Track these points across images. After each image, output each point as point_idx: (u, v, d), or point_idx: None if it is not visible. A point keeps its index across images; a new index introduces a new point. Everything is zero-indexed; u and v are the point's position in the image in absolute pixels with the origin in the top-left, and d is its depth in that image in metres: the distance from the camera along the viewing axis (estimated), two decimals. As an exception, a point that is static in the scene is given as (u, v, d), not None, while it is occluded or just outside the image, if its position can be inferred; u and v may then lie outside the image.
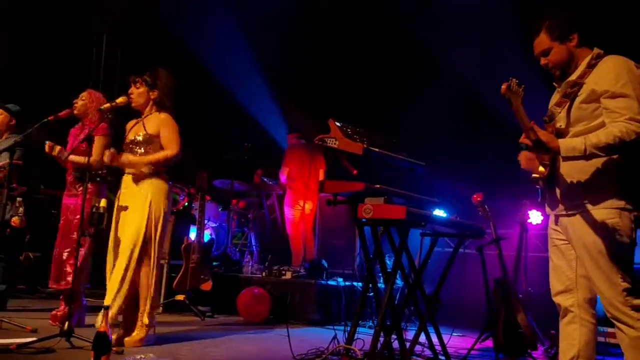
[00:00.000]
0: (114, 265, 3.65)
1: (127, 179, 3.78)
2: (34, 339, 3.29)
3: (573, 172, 2.48)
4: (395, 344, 3.36)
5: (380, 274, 4.42)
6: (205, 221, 5.98)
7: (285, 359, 3.47)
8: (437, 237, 3.62)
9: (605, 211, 2.39)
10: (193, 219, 5.97)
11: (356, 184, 3.07)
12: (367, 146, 3.08)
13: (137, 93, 3.83)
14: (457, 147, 6.62)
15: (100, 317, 3.41)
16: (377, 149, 3.14)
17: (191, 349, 3.75)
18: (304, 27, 7.56)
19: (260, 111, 8.01)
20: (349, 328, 3.27)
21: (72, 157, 4.11)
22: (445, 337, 3.60)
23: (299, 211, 6.61)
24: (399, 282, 4.86)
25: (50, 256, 4.30)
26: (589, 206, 2.43)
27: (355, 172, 3.40)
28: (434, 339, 3.50)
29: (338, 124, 3.19)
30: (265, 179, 7.17)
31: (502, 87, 2.34)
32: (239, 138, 7.09)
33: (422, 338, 3.51)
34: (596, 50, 2.55)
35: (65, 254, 4.16)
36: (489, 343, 4.09)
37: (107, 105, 3.77)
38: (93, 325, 3.73)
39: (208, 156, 7.15)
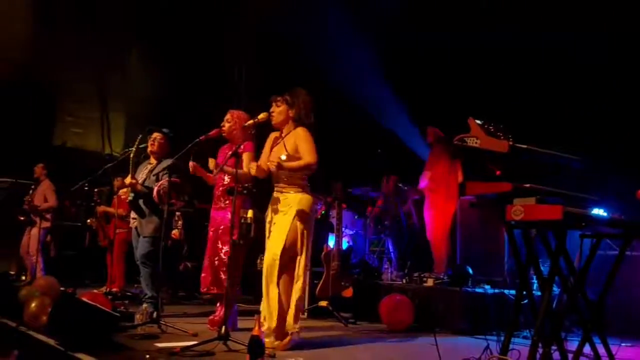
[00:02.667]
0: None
1: (276, 196, 3.95)
2: (195, 342, 3.54)
3: None
4: (556, 355, 3.10)
5: (533, 280, 4.12)
6: (343, 229, 6.07)
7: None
8: (599, 239, 3.29)
9: None
10: (331, 227, 6.08)
11: (502, 184, 2.88)
12: (513, 143, 2.90)
13: (278, 111, 4.01)
14: (620, 137, 5.90)
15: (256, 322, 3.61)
16: (525, 146, 2.93)
17: (339, 353, 3.82)
18: (431, 29, 7.38)
19: (391, 119, 7.98)
20: (500, 338, 3.08)
21: (226, 168, 4.32)
22: (612, 348, 3.26)
23: (440, 215, 6.40)
24: (555, 288, 4.50)
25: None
26: None
27: (498, 172, 3.22)
28: (600, 350, 3.19)
29: (478, 122, 3.04)
30: (400, 185, 7.10)
31: None
32: (372, 146, 7.12)
33: (586, 349, 3.21)
34: None
35: (216, 262, 4.43)
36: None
37: (251, 122, 4.02)
38: (245, 329, 3.95)
39: (343, 165, 7.26)
